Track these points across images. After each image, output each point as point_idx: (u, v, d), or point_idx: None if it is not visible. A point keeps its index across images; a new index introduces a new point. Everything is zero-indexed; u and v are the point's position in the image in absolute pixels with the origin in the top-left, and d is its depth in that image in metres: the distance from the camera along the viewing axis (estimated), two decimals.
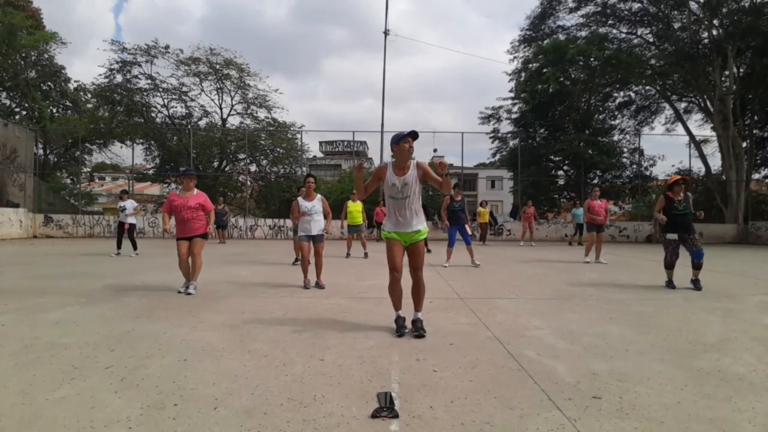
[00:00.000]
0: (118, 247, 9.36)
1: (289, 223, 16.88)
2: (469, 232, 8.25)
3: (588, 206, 8.96)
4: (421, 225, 3.31)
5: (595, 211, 8.78)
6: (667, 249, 5.69)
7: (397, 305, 3.44)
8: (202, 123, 23.34)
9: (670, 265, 5.65)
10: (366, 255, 9.26)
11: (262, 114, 23.32)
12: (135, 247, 9.43)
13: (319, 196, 5.66)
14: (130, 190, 18.61)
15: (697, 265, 5.51)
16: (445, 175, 3.12)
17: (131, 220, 9.51)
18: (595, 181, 21.70)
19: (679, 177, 5.88)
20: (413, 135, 3.18)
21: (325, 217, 5.67)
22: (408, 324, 3.38)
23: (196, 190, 5.22)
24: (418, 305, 3.41)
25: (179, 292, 4.95)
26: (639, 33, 20.64)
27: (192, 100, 22.54)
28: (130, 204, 9.58)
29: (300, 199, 5.66)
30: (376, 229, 14.22)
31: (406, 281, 3.41)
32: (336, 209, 9.40)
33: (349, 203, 9.62)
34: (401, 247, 3.32)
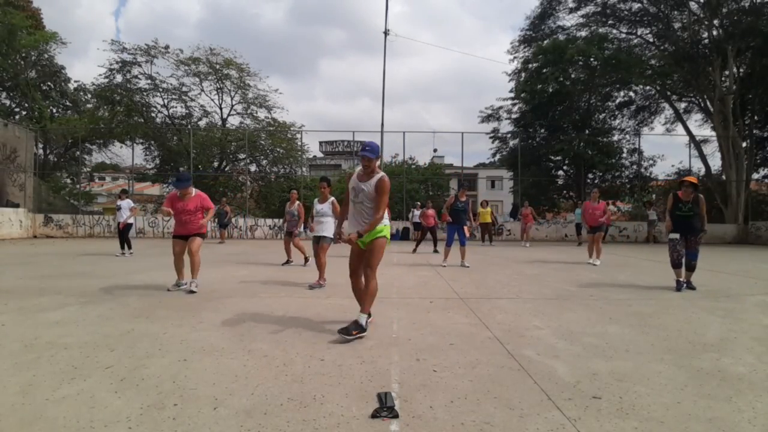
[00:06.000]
0: (122, 247, 9.33)
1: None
2: (468, 235, 8.24)
3: (584, 208, 8.94)
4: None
5: (588, 214, 8.70)
6: (669, 248, 5.71)
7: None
8: (202, 123, 23.38)
9: (675, 264, 5.59)
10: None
11: (262, 114, 23.38)
12: (129, 246, 9.40)
13: (331, 198, 5.74)
14: (130, 191, 18.58)
15: (690, 266, 5.53)
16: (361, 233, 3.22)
17: (127, 219, 9.47)
18: (596, 181, 21.71)
19: (690, 179, 5.73)
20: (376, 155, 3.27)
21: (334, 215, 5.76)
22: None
23: (194, 191, 5.19)
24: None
25: (168, 290, 5.04)
26: (639, 33, 20.65)
27: (192, 100, 22.59)
28: (126, 204, 9.56)
29: (315, 201, 5.85)
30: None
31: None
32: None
33: None
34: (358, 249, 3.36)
